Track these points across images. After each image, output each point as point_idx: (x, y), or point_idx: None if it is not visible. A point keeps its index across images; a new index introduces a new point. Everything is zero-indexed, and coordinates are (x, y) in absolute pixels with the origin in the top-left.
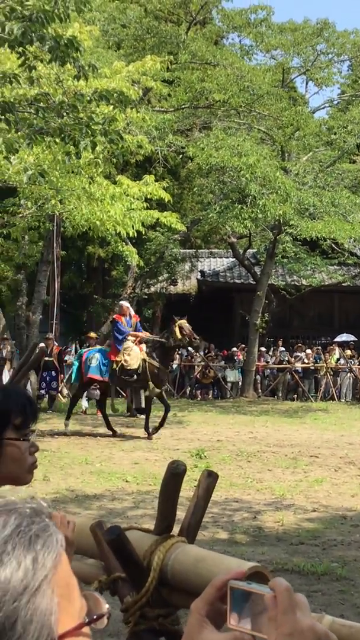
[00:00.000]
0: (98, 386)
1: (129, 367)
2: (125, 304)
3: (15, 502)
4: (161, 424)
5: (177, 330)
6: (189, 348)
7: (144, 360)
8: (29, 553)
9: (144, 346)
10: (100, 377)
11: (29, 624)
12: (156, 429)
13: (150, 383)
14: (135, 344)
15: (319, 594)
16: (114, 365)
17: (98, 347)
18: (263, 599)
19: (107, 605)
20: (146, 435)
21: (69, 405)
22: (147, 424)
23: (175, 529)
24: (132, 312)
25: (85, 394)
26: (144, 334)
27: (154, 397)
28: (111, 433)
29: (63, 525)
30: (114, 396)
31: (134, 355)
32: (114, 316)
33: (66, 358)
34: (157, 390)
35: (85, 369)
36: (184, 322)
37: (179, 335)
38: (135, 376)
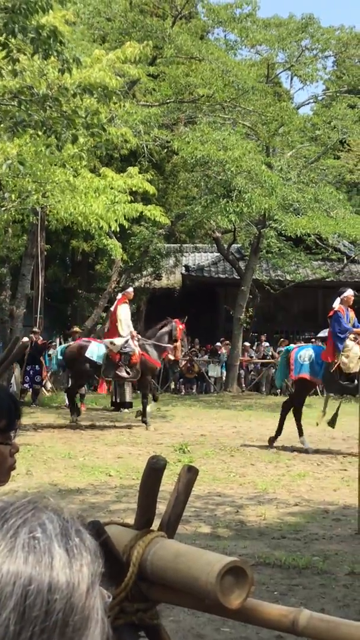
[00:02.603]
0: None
1: (348, 371)
2: (350, 292)
3: (40, 498)
4: None
5: None
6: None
7: None
8: (86, 543)
9: None
10: (314, 378)
11: (93, 618)
12: None
13: None
14: (357, 343)
15: (299, 587)
16: (331, 368)
17: (311, 344)
18: None
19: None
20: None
21: (295, 420)
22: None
23: (156, 524)
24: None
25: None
26: None
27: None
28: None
29: None
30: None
31: (353, 356)
32: (336, 309)
33: (50, 352)
34: None
35: (296, 367)
36: None
37: None
38: (356, 381)
